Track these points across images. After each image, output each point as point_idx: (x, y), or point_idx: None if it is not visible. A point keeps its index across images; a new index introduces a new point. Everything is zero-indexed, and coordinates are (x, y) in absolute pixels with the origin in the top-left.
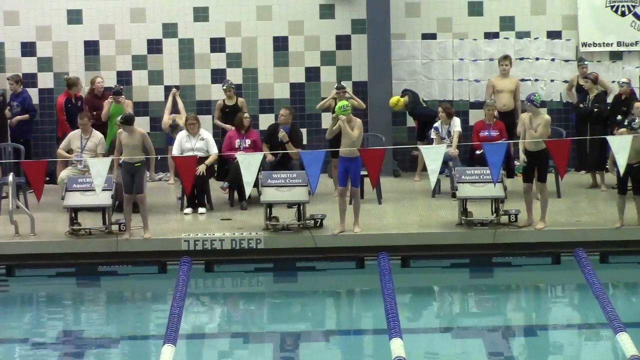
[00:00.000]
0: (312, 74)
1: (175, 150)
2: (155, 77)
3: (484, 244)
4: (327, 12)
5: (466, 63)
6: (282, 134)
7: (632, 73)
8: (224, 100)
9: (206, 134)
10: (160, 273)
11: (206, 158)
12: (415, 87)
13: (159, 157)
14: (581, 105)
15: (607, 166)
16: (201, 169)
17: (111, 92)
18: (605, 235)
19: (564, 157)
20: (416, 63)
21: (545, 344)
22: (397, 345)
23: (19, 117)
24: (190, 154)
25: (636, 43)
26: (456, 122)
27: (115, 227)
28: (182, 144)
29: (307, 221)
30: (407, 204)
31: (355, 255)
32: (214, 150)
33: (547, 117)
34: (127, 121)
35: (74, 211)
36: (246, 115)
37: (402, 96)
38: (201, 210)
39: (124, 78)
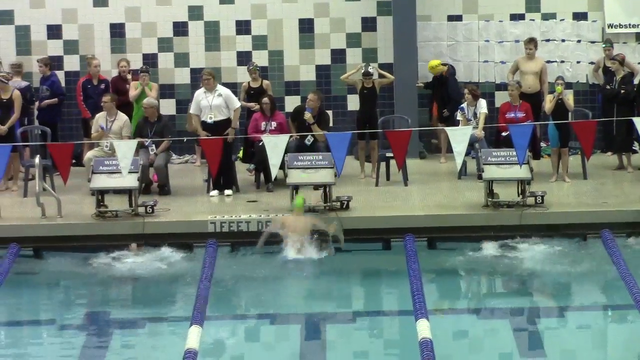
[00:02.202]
0: (338, 56)
1: (192, 109)
2: (181, 60)
3: (510, 225)
4: None
5: (492, 45)
6: (307, 116)
7: None
8: (249, 82)
9: (224, 90)
10: (186, 255)
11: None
12: None
13: (185, 139)
14: (608, 87)
15: (633, 147)
16: (231, 135)
17: (138, 73)
18: (632, 216)
19: (590, 139)
20: (442, 45)
21: (572, 325)
22: (423, 327)
23: (48, 102)
24: (207, 111)
25: None
26: (482, 104)
27: (141, 209)
28: (199, 102)
29: (333, 203)
30: (433, 185)
31: (382, 236)
32: (234, 104)
33: None
34: None
35: (101, 193)
36: (265, 100)
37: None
38: (227, 192)
39: (149, 60)
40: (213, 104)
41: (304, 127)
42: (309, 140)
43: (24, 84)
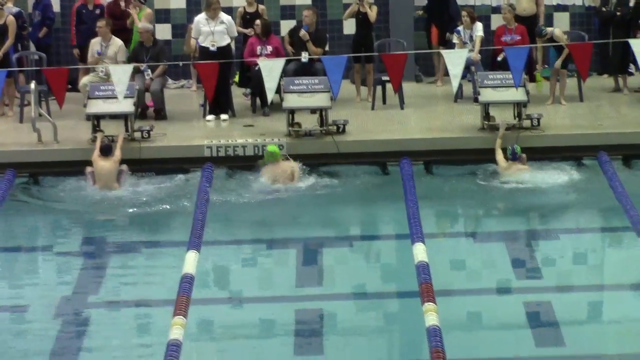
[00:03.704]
0: None
1: (193, 33)
2: None
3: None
4: None
5: None
6: (302, 33)
7: None
8: (244, 7)
9: (226, 17)
10: (183, 179)
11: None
12: None
13: (182, 63)
14: (604, 9)
15: (629, 69)
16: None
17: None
18: (628, 138)
19: (586, 61)
20: None
21: (569, 248)
22: (419, 250)
23: (41, 34)
24: (210, 37)
25: None
26: (478, 27)
27: (137, 134)
28: (200, 27)
29: (330, 127)
30: (429, 109)
31: (378, 160)
32: (234, 33)
33: None
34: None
35: (97, 118)
36: (257, 21)
37: None
38: (223, 116)
39: None
40: (216, 30)
41: (300, 46)
42: (305, 57)
43: (14, 9)
